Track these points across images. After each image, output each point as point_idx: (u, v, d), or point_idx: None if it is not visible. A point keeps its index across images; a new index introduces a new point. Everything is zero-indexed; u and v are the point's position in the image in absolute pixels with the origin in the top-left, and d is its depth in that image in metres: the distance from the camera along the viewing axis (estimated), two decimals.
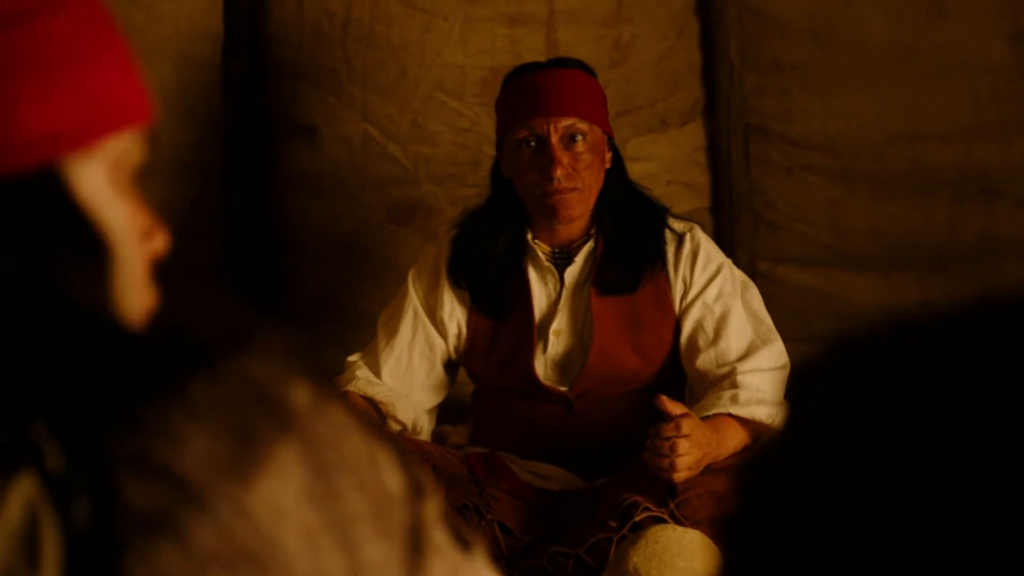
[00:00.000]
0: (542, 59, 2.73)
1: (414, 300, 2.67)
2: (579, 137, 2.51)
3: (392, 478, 0.68)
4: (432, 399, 2.71)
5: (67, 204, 0.70)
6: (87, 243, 0.69)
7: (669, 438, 2.26)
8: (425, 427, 2.70)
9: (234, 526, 0.61)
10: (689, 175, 3.48)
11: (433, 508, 0.69)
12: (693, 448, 2.27)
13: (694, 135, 3.48)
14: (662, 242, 2.60)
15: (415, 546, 0.67)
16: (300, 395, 0.66)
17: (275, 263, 3.40)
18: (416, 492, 0.69)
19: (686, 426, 2.26)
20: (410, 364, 2.66)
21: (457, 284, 2.64)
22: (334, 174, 3.34)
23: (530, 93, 2.54)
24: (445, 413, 2.85)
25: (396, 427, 2.62)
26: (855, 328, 0.63)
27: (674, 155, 3.46)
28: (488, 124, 3.03)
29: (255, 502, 0.62)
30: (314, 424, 0.66)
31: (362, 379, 2.63)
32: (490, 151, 2.80)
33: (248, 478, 0.62)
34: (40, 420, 0.61)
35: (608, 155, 2.60)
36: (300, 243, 3.38)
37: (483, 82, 3.29)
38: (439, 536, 0.69)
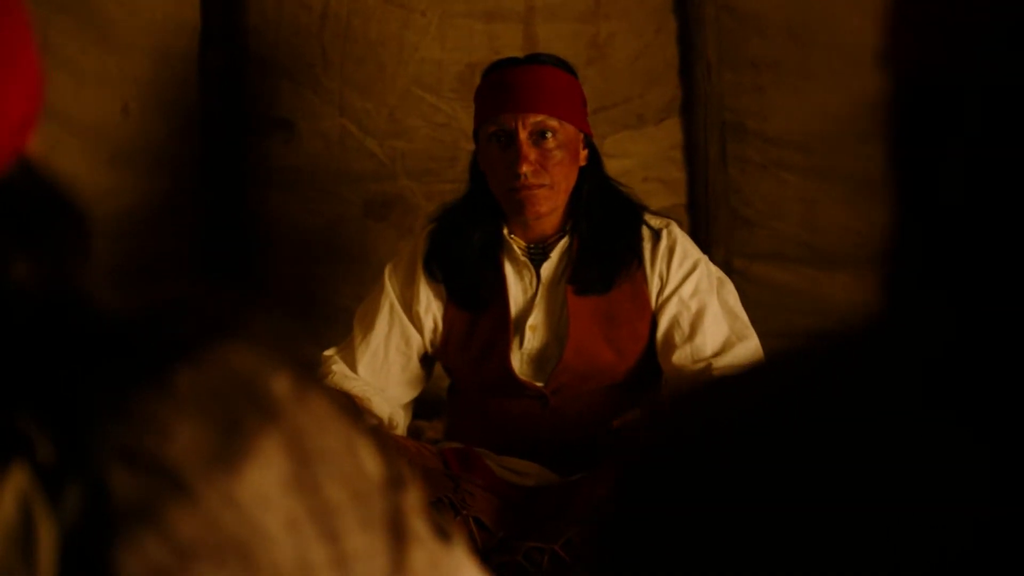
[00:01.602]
0: (520, 55, 2.73)
1: (390, 295, 2.67)
2: (549, 134, 2.51)
3: (372, 467, 0.68)
4: (408, 394, 2.72)
5: (47, 187, 0.70)
6: (72, 228, 0.69)
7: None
8: (401, 422, 2.71)
9: (221, 515, 0.62)
10: (665, 172, 3.49)
11: (413, 498, 0.70)
12: None
13: (671, 132, 3.48)
14: (638, 241, 2.60)
15: (396, 535, 0.67)
16: (281, 385, 0.66)
17: (251, 257, 3.39)
18: (396, 481, 0.69)
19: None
20: (386, 359, 2.66)
21: (433, 278, 2.65)
22: (311, 168, 3.33)
23: (502, 88, 2.55)
24: (420, 408, 2.86)
25: (372, 422, 2.62)
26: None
27: (651, 152, 3.47)
28: (465, 119, 3.03)
29: (241, 491, 0.63)
30: (296, 414, 0.66)
31: (338, 373, 2.64)
32: (467, 146, 2.81)
33: (234, 468, 0.63)
34: (29, 411, 0.61)
35: (584, 153, 2.60)
36: (276, 237, 3.38)
37: (460, 77, 3.29)
38: (420, 526, 0.69)
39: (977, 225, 0.59)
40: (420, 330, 2.66)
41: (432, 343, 2.68)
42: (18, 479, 0.60)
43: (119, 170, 2.95)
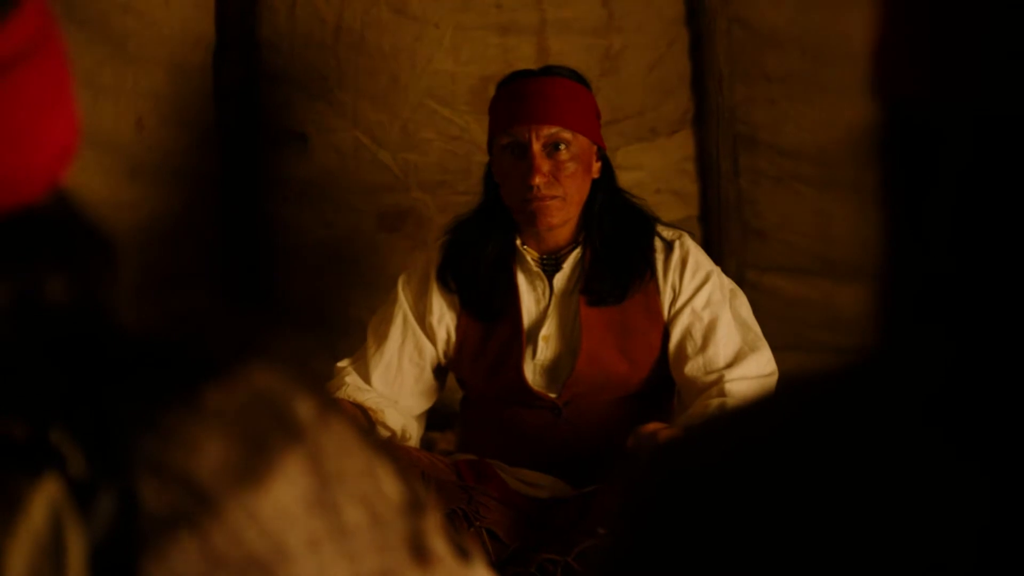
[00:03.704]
0: (533, 68, 2.74)
1: (404, 306, 2.68)
2: (562, 146, 2.52)
3: (393, 490, 0.70)
4: (421, 405, 2.72)
5: (78, 214, 0.72)
6: (101, 251, 0.71)
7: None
8: (414, 433, 2.71)
9: (245, 530, 0.63)
10: (678, 184, 3.50)
11: (432, 519, 0.71)
12: None
13: (683, 144, 3.49)
14: (651, 253, 2.61)
15: (417, 556, 0.68)
16: (306, 407, 0.68)
17: (265, 269, 3.41)
18: (416, 504, 0.70)
19: (663, 438, 2.27)
20: (399, 370, 2.67)
21: (447, 289, 2.65)
22: (324, 181, 3.35)
23: (516, 100, 2.56)
24: (433, 419, 2.86)
25: (385, 433, 2.63)
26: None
27: (663, 164, 3.48)
28: (478, 132, 3.05)
29: (265, 508, 0.64)
30: (319, 436, 0.67)
31: (351, 385, 2.64)
32: (480, 159, 2.82)
33: (258, 484, 0.64)
34: (61, 425, 0.63)
35: (597, 165, 2.61)
36: (290, 249, 3.39)
37: (474, 90, 3.30)
38: (439, 546, 0.70)
39: (969, 255, 0.59)
40: (433, 341, 2.67)
41: (445, 354, 2.69)
42: (50, 490, 0.61)
43: (134, 183, 2.96)
